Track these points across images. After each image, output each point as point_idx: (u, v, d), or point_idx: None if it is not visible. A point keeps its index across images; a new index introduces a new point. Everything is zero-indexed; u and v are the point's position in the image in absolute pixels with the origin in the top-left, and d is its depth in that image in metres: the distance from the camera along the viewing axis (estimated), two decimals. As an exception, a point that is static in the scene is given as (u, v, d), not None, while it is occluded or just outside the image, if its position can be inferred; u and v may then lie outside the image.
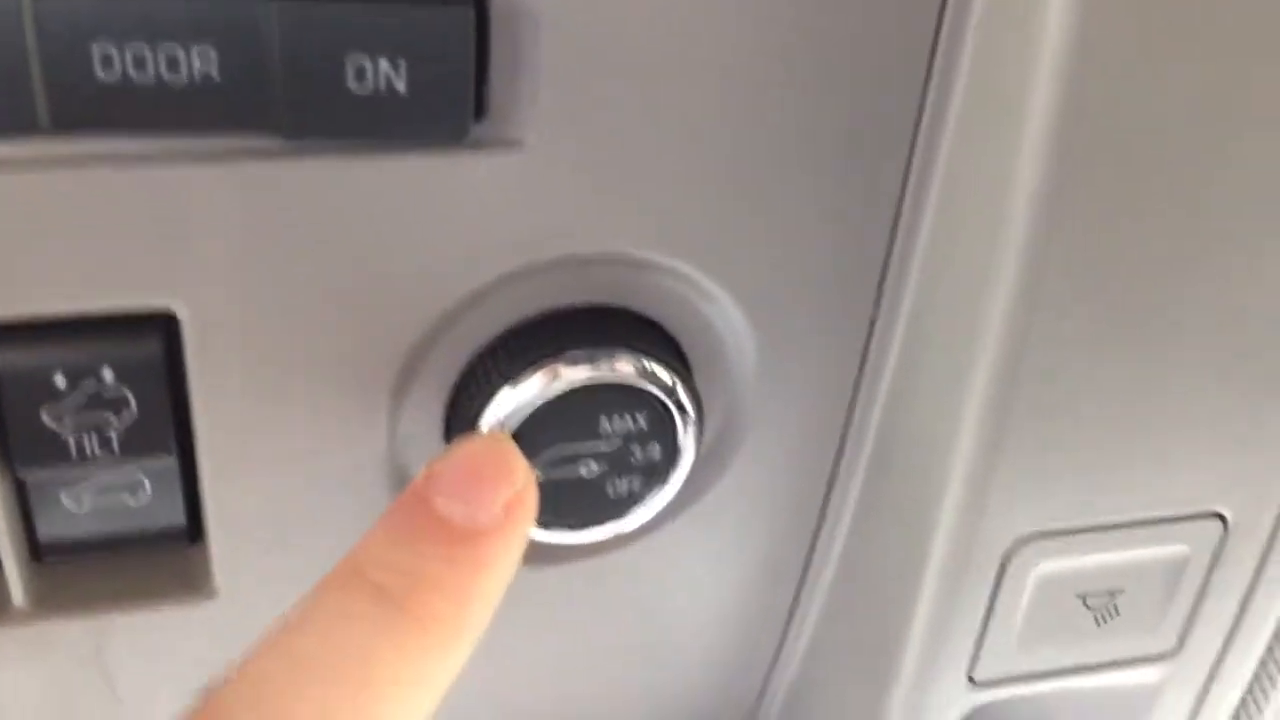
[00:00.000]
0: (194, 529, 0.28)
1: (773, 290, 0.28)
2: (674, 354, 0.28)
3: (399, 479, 0.28)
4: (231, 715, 0.19)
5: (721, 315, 0.28)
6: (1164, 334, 0.29)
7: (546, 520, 0.28)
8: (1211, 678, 0.38)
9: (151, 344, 0.24)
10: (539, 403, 0.27)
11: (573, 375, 0.27)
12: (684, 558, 0.33)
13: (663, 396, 0.27)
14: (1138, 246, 0.27)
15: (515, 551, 0.23)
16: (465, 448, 0.24)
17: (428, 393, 0.28)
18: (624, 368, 0.27)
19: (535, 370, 0.27)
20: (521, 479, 0.23)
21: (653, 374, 0.27)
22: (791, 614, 0.36)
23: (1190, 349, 0.29)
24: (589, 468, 0.28)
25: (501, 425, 0.27)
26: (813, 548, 0.34)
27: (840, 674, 0.36)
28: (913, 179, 0.28)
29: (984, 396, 0.28)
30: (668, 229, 0.26)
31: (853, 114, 0.26)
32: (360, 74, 0.22)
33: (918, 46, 0.26)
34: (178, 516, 0.27)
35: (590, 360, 0.27)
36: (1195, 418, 0.30)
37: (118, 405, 0.25)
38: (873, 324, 0.30)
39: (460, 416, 0.28)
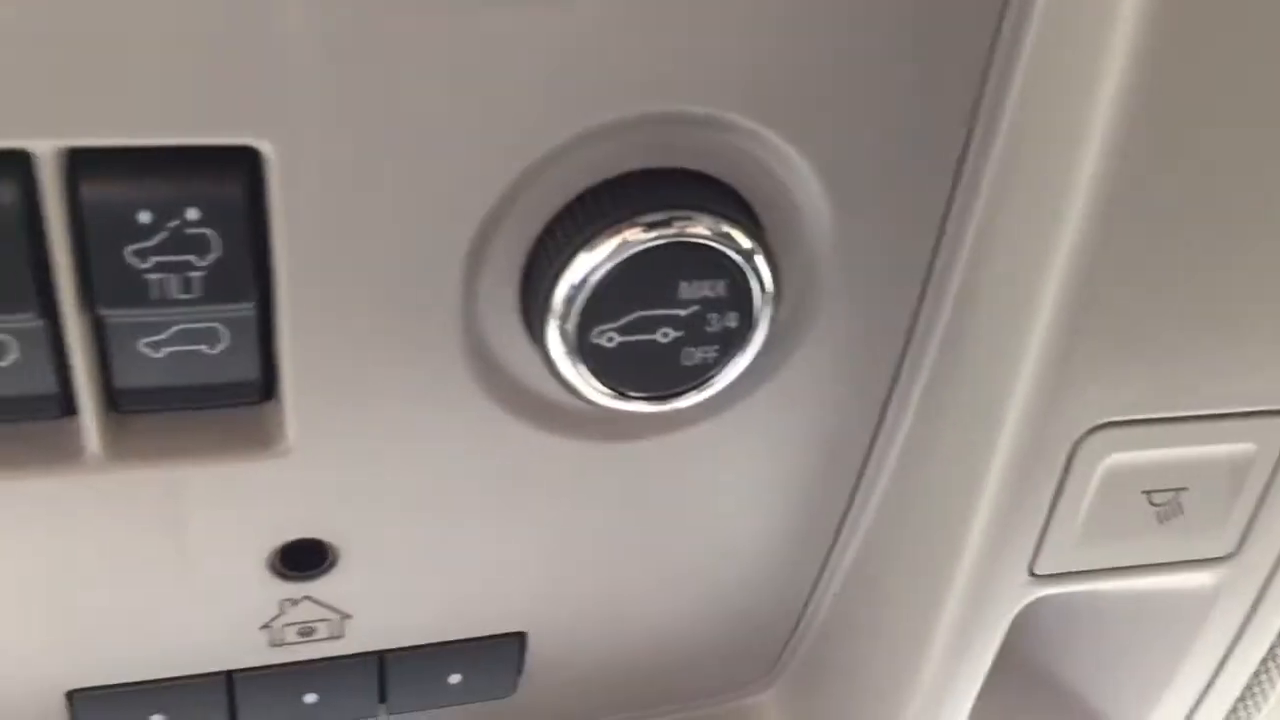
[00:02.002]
0: (266, 387, 0.28)
1: (852, 160, 0.28)
2: (751, 219, 0.28)
3: (473, 343, 0.28)
4: None
5: (799, 183, 0.28)
6: (1247, 227, 0.28)
7: (623, 388, 0.28)
8: (1267, 585, 0.37)
9: (237, 182, 0.24)
10: (614, 265, 0.26)
11: (648, 237, 0.26)
12: (753, 438, 0.33)
13: (740, 261, 0.27)
14: (1219, 134, 0.26)
15: None
16: None
17: (503, 256, 0.27)
18: (701, 230, 0.27)
19: (611, 233, 0.26)
20: None
21: (730, 237, 0.27)
22: (852, 499, 0.36)
23: (1268, 242, 0.29)
24: (665, 333, 0.28)
25: (578, 289, 0.27)
26: (878, 432, 0.34)
27: (899, 563, 0.36)
28: (999, 52, 0.27)
29: (1063, 280, 0.28)
30: (748, 89, 0.26)
31: None
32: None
33: None
34: (252, 371, 0.27)
35: (666, 223, 0.27)
36: (1269, 313, 0.30)
37: (201, 246, 0.24)
38: (950, 200, 0.29)
39: (535, 280, 0.27)
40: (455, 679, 0.36)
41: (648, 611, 0.38)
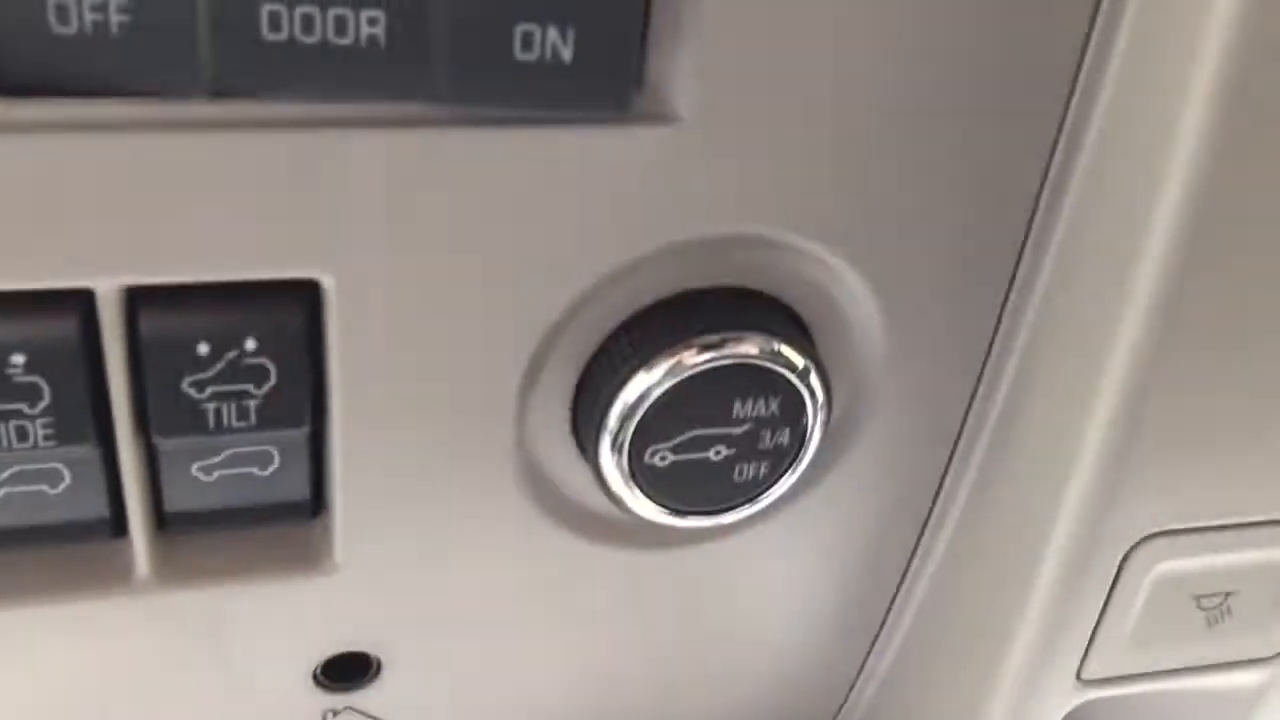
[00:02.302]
0: (315, 504, 0.28)
1: (905, 275, 0.28)
2: (803, 335, 0.28)
3: (525, 464, 0.28)
4: None
5: (852, 300, 0.28)
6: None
7: (674, 504, 0.28)
8: (1314, 683, 0.37)
9: (296, 314, 0.24)
10: (669, 387, 0.26)
11: (703, 359, 0.26)
12: (797, 544, 0.33)
13: (794, 379, 0.27)
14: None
15: None
16: None
17: (558, 375, 0.27)
18: (752, 350, 0.27)
19: (667, 355, 0.26)
20: None
21: (785, 357, 0.27)
22: (892, 605, 0.36)
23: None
24: (718, 452, 0.28)
25: (633, 409, 0.26)
26: (922, 535, 0.34)
27: (940, 669, 0.36)
28: (1054, 168, 0.27)
29: (1120, 389, 0.28)
30: (810, 212, 0.26)
31: (998, 105, 0.26)
32: (528, 41, 0.21)
33: (1070, 38, 0.25)
34: (302, 490, 0.27)
35: (719, 344, 0.26)
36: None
37: (258, 375, 0.24)
38: (1003, 305, 0.29)
39: (589, 399, 0.27)
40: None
41: (692, 714, 0.37)
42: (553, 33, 0.21)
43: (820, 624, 0.36)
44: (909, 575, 0.35)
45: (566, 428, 0.28)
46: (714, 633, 0.34)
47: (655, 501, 0.28)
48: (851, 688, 0.39)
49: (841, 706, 0.40)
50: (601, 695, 0.35)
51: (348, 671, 0.31)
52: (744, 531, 0.32)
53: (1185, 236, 0.26)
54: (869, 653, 0.38)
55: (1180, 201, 0.25)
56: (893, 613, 0.36)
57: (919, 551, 0.35)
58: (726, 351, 0.26)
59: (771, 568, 0.33)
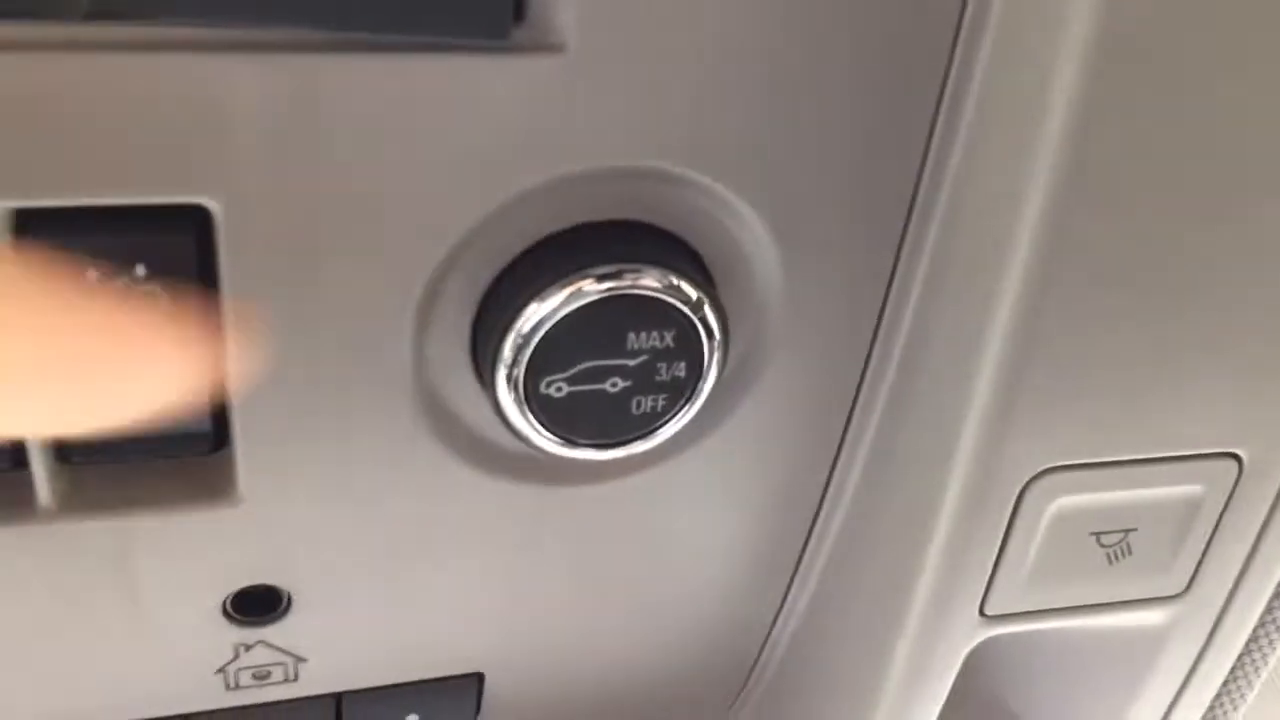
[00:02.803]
0: (218, 437, 0.28)
1: (801, 214, 0.28)
2: (700, 271, 0.28)
3: (424, 391, 0.28)
4: None
5: (750, 235, 0.28)
6: (1188, 273, 0.29)
7: (572, 437, 0.28)
8: (1218, 623, 0.38)
9: (184, 238, 0.24)
10: (563, 316, 0.27)
11: (598, 289, 0.27)
12: (704, 483, 0.33)
13: (689, 313, 0.28)
14: (1166, 181, 0.27)
15: None
16: None
17: (454, 306, 0.28)
18: (650, 283, 0.27)
19: (561, 284, 0.27)
20: None
21: (679, 289, 0.27)
22: (806, 544, 0.36)
23: (1213, 289, 0.29)
24: (614, 383, 0.28)
25: (528, 339, 0.27)
26: (830, 477, 0.35)
27: (853, 605, 0.36)
28: (946, 100, 0.28)
29: (1008, 328, 0.28)
30: (700, 144, 0.26)
31: (888, 33, 0.26)
32: (403, -34, 0.22)
33: None
34: (203, 422, 0.27)
35: (616, 275, 0.27)
36: (1215, 358, 0.30)
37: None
38: (899, 249, 0.30)
39: (486, 330, 0.28)
40: (413, 719, 0.37)
41: (605, 651, 0.38)
42: (427, -42, 0.22)
43: (736, 562, 0.36)
44: (821, 514, 0.36)
45: (467, 361, 0.29)
46: (622, 572, 0.35)
47: (552, 432, 0.28)
48: (772, 626, 0.40)
49: (763, 647, 0.40)
50: (512, 632, 0.35)
51: (259, 606, 0.32)
52: (651, 468, 0.32)
53: (1064, 182, 0.26)
54: (787, 592, 0.38)
55: (1059, 149, 0.26)
56: (808, 551, 0.37)
57: (830, 491, 0.35)
58: (620, 283, 0.27)
59: (680, 506, 0.34)
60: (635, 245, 0.28)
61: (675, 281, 0.27)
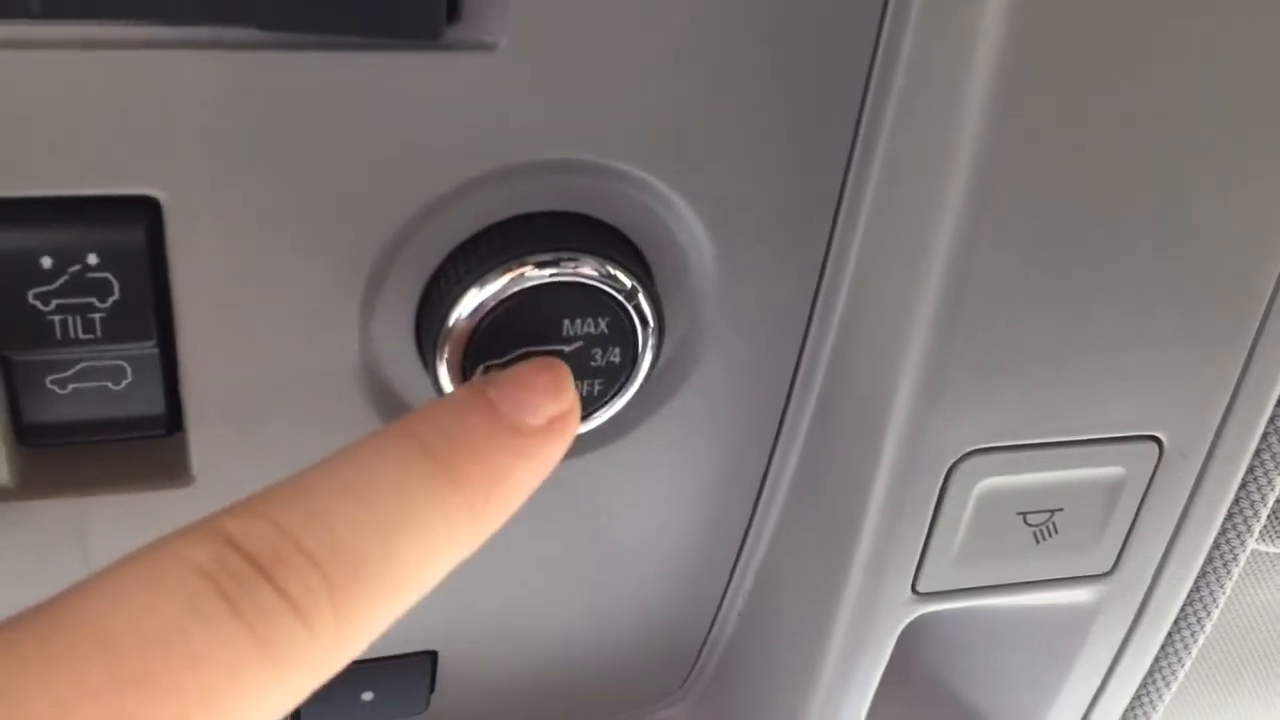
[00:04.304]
0: (173, 420, 0.29)
1: (733, 201, 0.30)
2: (637, 261, 0.30)
3: (370, 378, 0.30)
4: (274, 514, 0.21)
5: (683, 226, 0.30)
6: (1105, 258, 0.30)
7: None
8: (1145, 602, 0.39)
9: (135, 229, 0.25)
10: (502, 302, 0.28)
11: (537, 276, 0.28)
12: (646, 466, 0.35)
13: (623, 300, 0.29)
14: (1085, 170, 0.28)
15: (552, 458, 0.25)
16: (524, 365, 0.27)
17: (399, 292, 0.29)
18: (586, 270, 0.28)
19: (501, 271, 0.28)
20: (569, 401, 0.26)
21: (614, 278, 0.29)
22: (750, 525, 0.38)
23: (1130, 273, 0.30)
24: (551, 369, 0.29)
25: (467, 324, 0.28)
26: (770, 461, 0.36)
27: (795, 581, 0.38)
28: (870, 95, 0.29)
29: (932, 314, 0.30)
30: (633, 137, 0.28)
31: (813, 26, 0.27)
32: (338, -31, 0.23)
33: None
34: (157, 405, 0.29)
35: (555, 263, 0.28)
36: (1133, 342, 0.32)
37: (102, 289, 0.26)
38: (831, 237, 0.31)
39: (429, 317, 0.29)
40: (367, 697, 0.38)
41: (558, 629, 0.39)
42: (362, -39, 0.23)
43: (681, 544, 0.38)
44: (762, 497, 0.37)
45: (412, 346, 0.30)
46: (572, 550, 0.36)
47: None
48: (719, 608, 0.41)
49: (712, 624, 0.42)
50: (464, 612, 0.36)
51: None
52: (594, 451, 0.33)
53: (986, 170, 0.28)
54: (732, 573, 0.40)
55: (979, 137, 0.27)
56: (751, 532, 0.38)
57: (770, 474, 0.37)
58: (558, 270, 0.28)
59: (625, 488, 0.35)
60: (574, 236, 0.29)
61: (611, 270, 0.29)
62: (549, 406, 0.26)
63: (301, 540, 0.21)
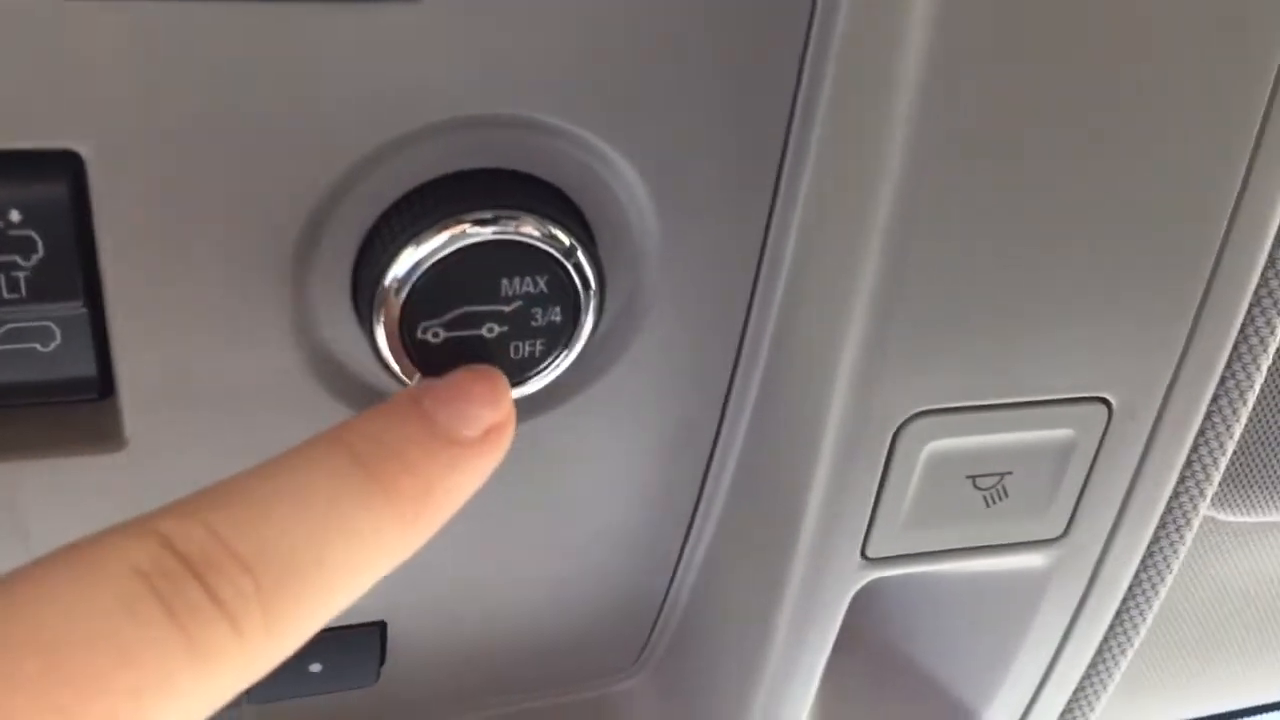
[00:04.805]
0: (105, 384, 0.29)
1: (675, 162, 0.29)
2: (578, 221, 0.29)
3: (306, 336, 0.29)
4: (209, 518, 0.21)
5: (624, 185, 0.29)
6: (1049, 219, 0.30)
7: (449, 379, 0.29)
8: (1099, 566, 0.39)
9: (57, 184, 0.25)
10: (438, 261, 0.28)
11: (474, 233, 0.28)
12: (591, 434, 0.34)
13: (562, 259, 0.28)
14: (1023, 131, 0.28)
15: (486, 468, 0.26)
16: (460, 372, 0.27)
17: (332, 252, 0.28)
18: (526, 229, 0.28)
19: (438, 229, 0.27)
20: (505, 410, 0.26)
21: (553, 236, 0.28)
22: (701, 493, 0.37)
23: (1075, 234, 0.30)
24: (490, 329, 0.29)
25: (403, 283, 0.28)
26: (719, 427, 0.36)
27: (746, 549, 0.38)
28: (810, 56, 0.29)
29: (875, 275, 0.30)
30: (569, 93, 0.27)
31: None
32: (259, -86, 0.22)
33: None
34: (88, 368, 0.28)
35: (493, 221, 0.28)
36: (1080, 303, 0.32)
37: (25, 247, 0.25)
38: (773, 202, 0.31)
39: (365, 276, 0.28)
40: (316, 668, 0.37)
41: (509, 599, 0.39)
42: (283, -94, 0.22)
43: (632, 511, 0.37)
44: (713, 463, 0.37)
45: (349, 307, 0.29)
46: (522, 518, 0.36)
47: (432, 377, 0.29)
48: (671, 580, 0.41)
49: (666, 594, 0.41)
50: (412, 581, 0.36)
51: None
52: (540, 415, 0.33)
53: (926, 128, 0.27)
54: (684, 540, 0.39)
55: (918, 93, 0.27)
56: (702, 500, 0.38)
57: (720, 439, 0.36)
58: (496, 229, 0.28)
59: (572, 453, 0.35)
60: (513, 194, 0.28)
61: (550, 228, 0.28)
62: (485, 416, 0.26)
63: (234, 545, 0.21)
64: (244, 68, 0.25)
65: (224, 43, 0.24)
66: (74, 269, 0.26)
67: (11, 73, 0.23)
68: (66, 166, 0.25)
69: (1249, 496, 0.47)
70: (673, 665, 0.43)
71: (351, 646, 0.37)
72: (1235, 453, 0.45)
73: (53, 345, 0.28)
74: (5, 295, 0.26)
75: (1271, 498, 0.48)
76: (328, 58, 0.25)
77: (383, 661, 0.39)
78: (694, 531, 0.39)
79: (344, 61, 0.25)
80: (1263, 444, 0.45)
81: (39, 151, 0.25)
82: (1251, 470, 0.46)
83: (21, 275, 0.26)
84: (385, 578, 0.36)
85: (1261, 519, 0.49)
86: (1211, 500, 0.41)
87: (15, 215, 0.25)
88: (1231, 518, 0.48)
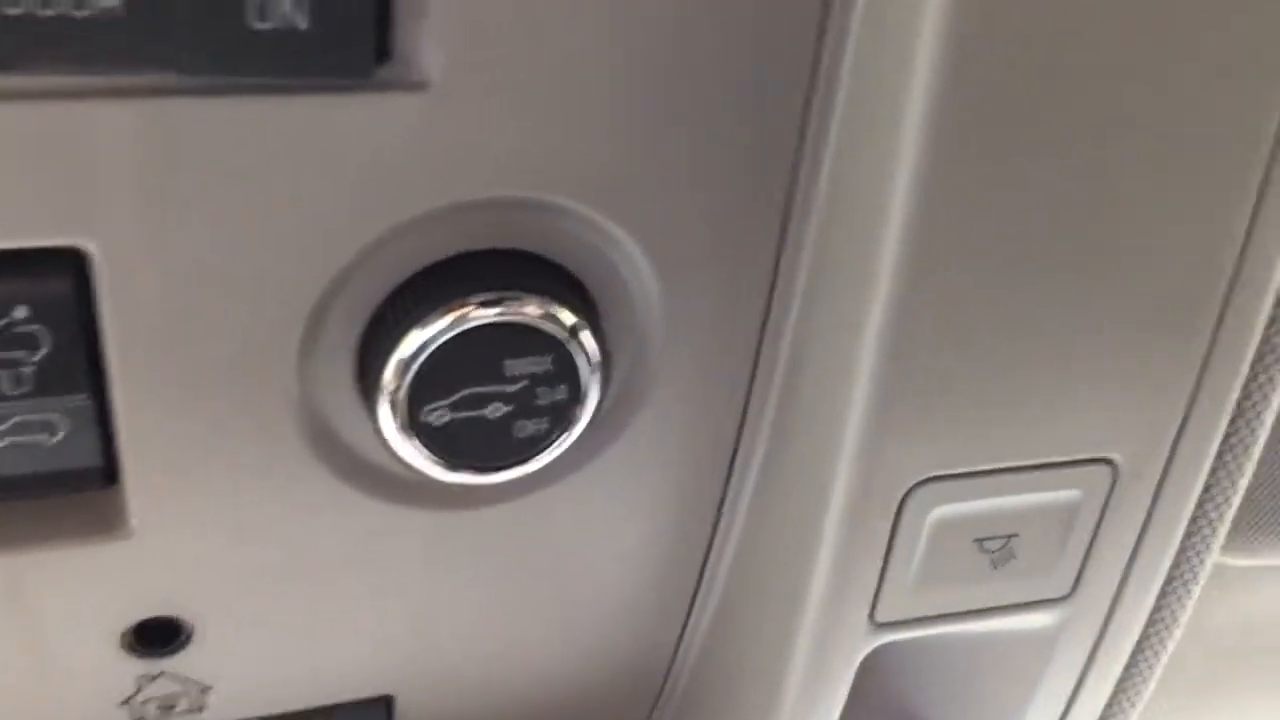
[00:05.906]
0: (110, 471, 0.29)
1: (678, 237, 0.29)
2: (580, 298, 0.29)
3: (311, 423, 0.29)
4: None
5: (627, 261, 0.29)
6: (1053, 281, 0.30)
7: (454, 462, 0.29)
8: (1107, 623, 0.39)
9: (63, 281, 0.25)
10: (443, 343, 0.28)
11: (478, 316, 0.28)
12: (597, 504, 0.34)
13: (565, 338, 0.28)
14: (1026, 192, 0.28)
15: None
16: None
17: (338, 336, 0.28)
18: (528, 310, 0.28)
19: (443, 312, 0.28)
20: None
21: (556, 317, 0.28)
22: (707, 558, 0.37)
23: (1080, 297, 0.30)
24: (495, 409, 0.29)
25: (408, 366, 0.28)
26: (725, 493, 0.36)
27: (753, 616, 0.37)
28: (811, 128, 0.29)
29: (878, 345, 0.30)
30: (572, 173, 0.27)
31: (751, 63, 0.27)
32: (262, 10, 0.22)
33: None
34: (94, 457, 0.28)
35: (496, 303, 0.28)
36: (1084, 364, 0.32)
37: (31, 343, 0.25)
38: (776, 268, 0.31)
39: (370, 359, 0.28)
40: (324, 744, 0.37)
41: (513, 671, 0.39)
42: (286, 1, 0.22)
43: (638, 580, 0.37)
44: (719, 529, 0.37)
45: (353, 388, 0.29)
46: (529, 592, 0.36)
47: (436, 458, 0.29)
48: (679, 643, 0.41)
49: (672, 662, 0.41)
50: (419, 654, 0.36)
51: (161, 636, 0.32)
52: (545, 489, 0.33)
53: (929, 195, 0.28)
54: (690, 607, 0.39)
55: (920, 159, 0.27)
56: (709, 566, 0.38)
57: (725, 506, 0.36)
58: (501, 310, 0.28)
59: (578, 525, 0.35)
60: (516, 274, 0.29)
61: (553, 309, 0.28)
62: None
63: None
64: (249, 160, 0.25)
65: (228, 135, 0.24)
66: (79, 363, 0.26)
67: (16, 171, 0.23)
68: (72, 262, 0.25)
69: (1255, 541, 0.47)
70: (681, 729, 0.43)
71: (359, 721, 0.37)
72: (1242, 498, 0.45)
73: (58, 437, 0.27)
74: (11, 390, 0.26)
75: (1277, 541, 0.48)
76: (333, 146, 0.25)
77: (390, 734, 0.38)
78: (701, 594, 0.39)
79: (349, 149, 0.25)
80: (1270, 488, 0.45)
81: (44, 249, 0.25)
82: (1258, 515, 0.46)
83: (28, 370, 0.26)
84: (392, 651, 0.36)
85: (1267, 563, 0.49)
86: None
87: (21, 312, 0.25)
88: (1237, 562, 0.48)
